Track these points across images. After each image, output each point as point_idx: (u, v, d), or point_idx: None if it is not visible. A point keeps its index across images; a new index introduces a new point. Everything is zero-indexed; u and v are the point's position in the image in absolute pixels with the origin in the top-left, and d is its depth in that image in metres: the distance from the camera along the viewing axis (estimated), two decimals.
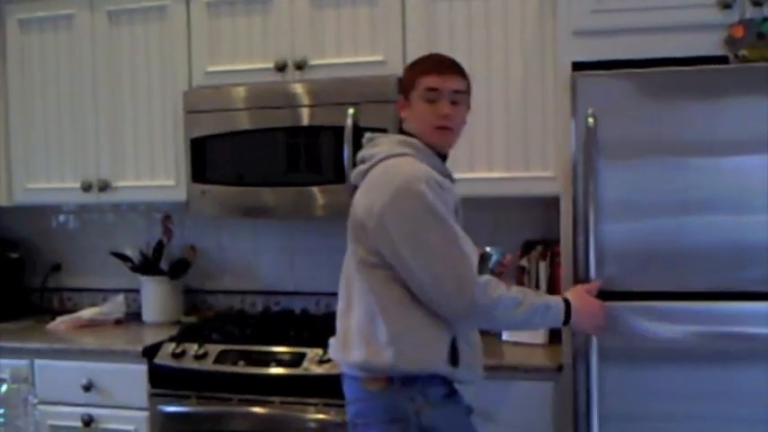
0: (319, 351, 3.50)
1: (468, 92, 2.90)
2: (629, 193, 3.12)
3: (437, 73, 2.82)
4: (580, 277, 3.14)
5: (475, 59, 3.63)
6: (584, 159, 3.12)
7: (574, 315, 2.85)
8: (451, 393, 2.79)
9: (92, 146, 4.23)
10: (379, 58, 3.74)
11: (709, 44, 3.12)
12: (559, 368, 3.29)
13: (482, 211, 3.97)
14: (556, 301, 2.85)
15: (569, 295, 2.91)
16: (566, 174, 3.26)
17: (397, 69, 3.68)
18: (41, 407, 3.74)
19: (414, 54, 3.66)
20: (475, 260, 2.69)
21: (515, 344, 3.62)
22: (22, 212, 4.67)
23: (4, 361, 3.93)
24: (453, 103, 2.82)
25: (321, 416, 3.44)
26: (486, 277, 2.72)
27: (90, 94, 4.21)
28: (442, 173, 2.80)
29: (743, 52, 3.08)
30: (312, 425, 3.45)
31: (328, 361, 3.42)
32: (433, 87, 2.81)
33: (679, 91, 3.08)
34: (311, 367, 3.49)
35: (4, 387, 2.20)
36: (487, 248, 2.82)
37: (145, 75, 4.13)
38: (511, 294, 2.71)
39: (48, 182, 4.33)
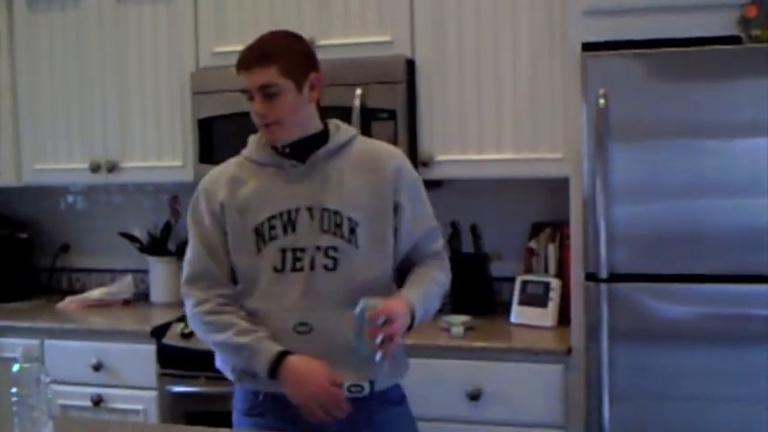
0: None
1: (283, 79, 2.49)
2: (640, 174, 3.11)
3: (243, 69, 2.52)
4: (590, 259, 3.13)
5: (483, 40, 3.61)
6: (594, 141, 3.11)
7: (286, 373, 2.45)
8: None
9: (99, 126, 4.22)
10: (386, 38, 3.72)
11: (722, 24, 3.09)
12: (569, 351, 3.28)
13: (490, 193, 3.97)
14: (269, 353, 2.47)
15: (298, 360, 2.46)
16: (575, 155, 3.24)
17: (405, 50, 3.67)
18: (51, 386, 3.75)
19: (422, 35, 3.67)
20: (192, 269, 2.62)
21: (524, 326, 3.61)
22: (30, 193, 4.67)
23: (15, 340, 3.95)
24: (268, 96, 2.50)
25: None
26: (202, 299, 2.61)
27: (98, 74, 4.20)
28: (266, 163, 2.60)
29: (755, 32, 3.05)
30: None
31: None
32: (243, 89, 2.54)
33: (691, 72, 3.07)
34: None
35: (17, 366, 2.20)
36: (362, 300, 2.38)
37: (152, 55, 4.12)
38: (221, 320, 2.55)
39: (56, 162, 4.33)
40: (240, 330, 2.50)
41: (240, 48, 3.84)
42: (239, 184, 2.59)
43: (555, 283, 3.63)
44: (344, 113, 3.63)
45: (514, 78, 3.60)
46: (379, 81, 3.63)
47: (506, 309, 3.72)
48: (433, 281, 2.63)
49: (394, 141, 3.57)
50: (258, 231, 2.53)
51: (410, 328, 2.49)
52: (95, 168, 4.21)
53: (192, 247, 2.64)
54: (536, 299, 3.64)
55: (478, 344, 3.40)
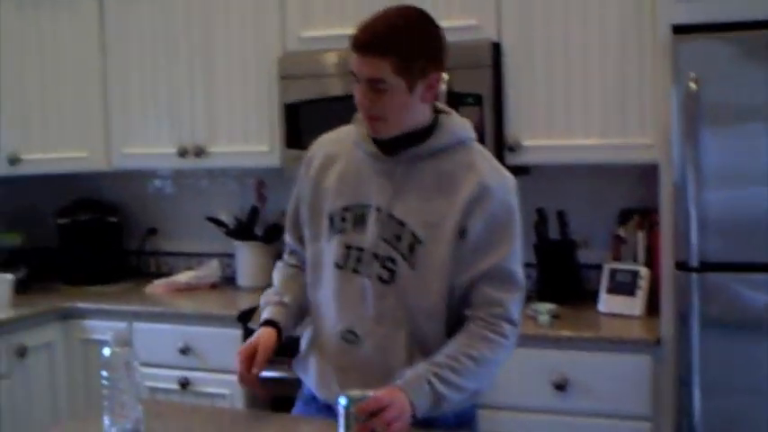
0: None
1: (394, 77, 2.22)
2: (732, 160, 3.04)
3: (355, 50, 2.24)
4: (680, 247, 3.07)
5: (571, 23, 3.55)
6: (684, 126, 3.05)
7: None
8: None
9: (187, 111, 4.26)
10: (472, 22, 3.67)
11: None
12: (657, 341, 3.22)
13: (577, 179, 3.91)
14: (263, 318, 2.51)
15: (263, 332, 2.45)
16: (665, 141, 3.18)
17: (491, 34, 3.63)
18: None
19: (508, 18, 3.63)
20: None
21: (611, 315, 3.56)
22: (120, 177, 4.74)
23: (104, 323, 4.03)
24: (374, 90, 2.25)
25: None
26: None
27: (185, 59, 4.24)
28: (359, 144, 2.40)
29: None
30: None
31: None
32: (351, 71, 2.28)
33: None
34: None
35: (107, 350, 2.23)
36: (343, 395, 2.07)
37: (239, 40, 4.13)
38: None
39: (144, 147, 4.38)
40: (267, 293, 2.54)
41: (327, 33, 3.88)
42: (331, 163, 2.43)
43: (644, 272, 3.56)
44: None
45: (603, 62, 3.53)
46: (464, 65, 3.57)
47: (593, 297, 3.67)
48: (468, 357, 2.23)
49: (480, 126, 3.54)
50: (332, 219, 2.39)
51: (414, 415, 2.14)
52: (183, 153, 4.25)
53: (288, 210, 2.58)
54: (624, 287, 3.58)
55: (565, 333, 3.36)
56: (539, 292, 3.76)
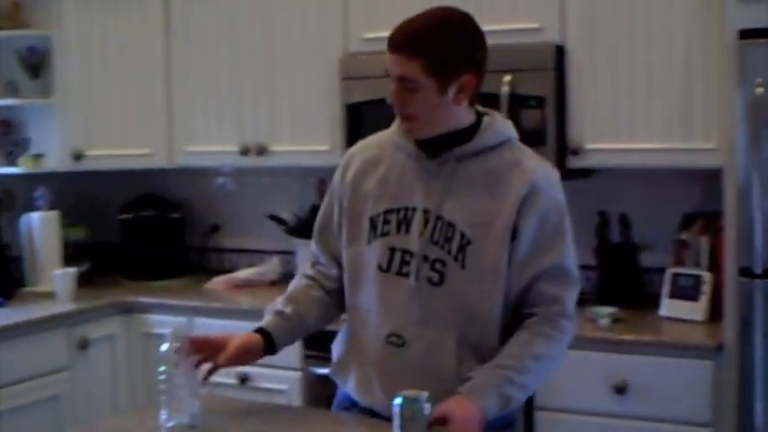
0: None
1: (425, 77, 2.20)
2: None
3: (389, 48, 2.24)
4: (744, 253, 3.03)
5: (636, 26, 3.52)
6: (749, 130, 3.02)
7: None
8: None
9: (249, 110, 4.29)
10: (535, 25, 3.66)
11: None
12: (719, 347, 3.19)
13: (640, 182, 3.88)
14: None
15: (243, 336, 2.45)
16: (729, 145, 3.14)
17: (554, 36, 3.62)
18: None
19: (572, 20, 3.61)
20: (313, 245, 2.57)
21: (673, 320, 3.52)
22: (183, 174, 4.79)
23: (166, 317, 4.09)
24: (405, 88, 2.24)
25: None
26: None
27: (248, 58, 4.28)
28: (400, 147, 2.39)
29: None
30: None
31: None
32: (385, 69, 2.27)
33: None
34: None
35: (165, 346, 2.25)
36: (404, 397, 2.00)
37: (301, 41, 4.16)
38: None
39: (207, 145, 4.42)
40: (274, 302, 2.51)
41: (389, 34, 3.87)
42: (372, 167, 2.39)
43: (707, 277, 3.52)
44: (492, 100, 3.61)
45: (667, 65, 3.50)
46: (527, 68, 3.58)
47: (655, 301, 3.63)
48: (530, 356, 2.23)
49: (542, 129, 3.54)
50: (373, 222, 2.35)
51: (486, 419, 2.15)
52: (245, 151, 4.29)
53: (317, 218, 2.57)
54: (687, 292, 3.54)
55: (626, 336, 3.33)
56: (599, 295, 3.74)
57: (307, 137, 4.18)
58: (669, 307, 3.57)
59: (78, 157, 4.44)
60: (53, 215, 4.45)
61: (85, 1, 4.42)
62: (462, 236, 2.25)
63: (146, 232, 4.71)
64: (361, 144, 2.52)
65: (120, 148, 4.49)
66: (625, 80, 3.56)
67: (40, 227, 4.41)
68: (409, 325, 2.30)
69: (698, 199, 3.77)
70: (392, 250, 2.31)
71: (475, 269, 2.24)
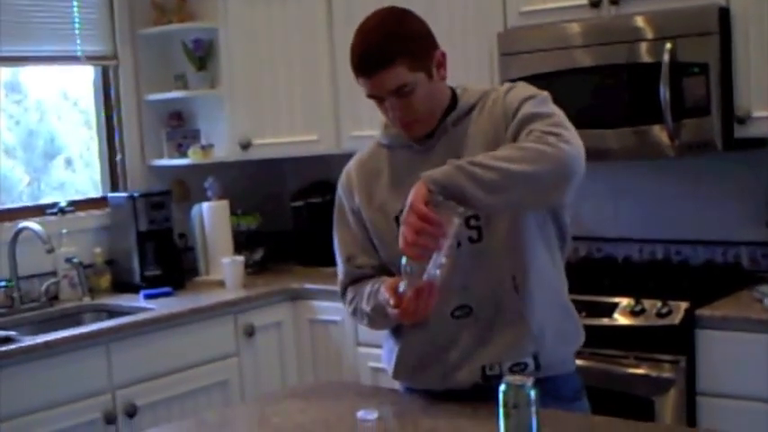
0: (657, 302, 3.28)
1: (413, 74, 2.29)
2: None
3: (364, 76, 2.31)
4: None
5: None
6: None
7: None
8: None
9: None
10: None
11: None
12: None
13: None
14: None
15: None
16: None
17: None
18: (362, 349, 3.87)
19: None
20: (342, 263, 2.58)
21: None
22: (348, 160, 4.77)
23: (331, 304, 4.08)
24: (402, 95, 2.30)
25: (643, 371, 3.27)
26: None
27: None
28: (395, 145, 2.50)
29: None
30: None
31: (668, 313, 3.21)
32: (369, 95, 2.36)
33: None
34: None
35: None
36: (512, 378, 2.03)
37: (461, 17, 4.08)
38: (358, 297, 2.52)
39: (373, 129, 4.36)
40: (368, 293, 2.43)
41: (547, 6, 3.76)
42: (374, 177, 2.49)
43: None
44: (652, 70, 3.42)
45: None
46: (690, 33, 3.38)
47: None
48: (497, 157, 2.16)
49: (706, 97, 3.36)
50: (399, 220, 2.27)
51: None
52: None
53: (339, 253, 2.59)
54: None
55: None
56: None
57: None
58: None
59: (246, 146, 4.51)
60: (223, 204, 4.54)
61: None
62: None
63: (316, 219, 4.73)
64: (352, 163, 2.62)
65: (288, 136, 4.54)
66: None
67: (211, 216, 4.51)
68: (467, 293, 2.33)
69: None
70: None
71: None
